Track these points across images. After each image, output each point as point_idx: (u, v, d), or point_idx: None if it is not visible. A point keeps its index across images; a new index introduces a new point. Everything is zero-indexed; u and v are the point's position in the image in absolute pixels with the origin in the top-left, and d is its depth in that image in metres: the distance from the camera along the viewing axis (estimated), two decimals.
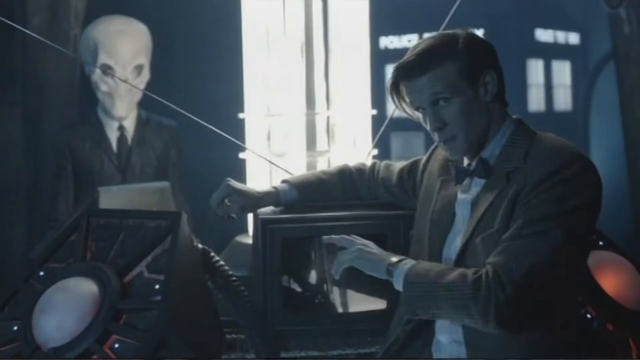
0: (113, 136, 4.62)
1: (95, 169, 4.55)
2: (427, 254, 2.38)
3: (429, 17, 3.11)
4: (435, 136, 2.34)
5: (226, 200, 2.72)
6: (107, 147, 4.59)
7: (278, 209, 2.76)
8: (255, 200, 2.74)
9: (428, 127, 2.33)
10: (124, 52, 4.60)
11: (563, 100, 14.55)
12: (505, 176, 2.25)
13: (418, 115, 2.37)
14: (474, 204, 2.30)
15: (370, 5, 3.48)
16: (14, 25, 3.88)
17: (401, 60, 2.33)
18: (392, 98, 2.39)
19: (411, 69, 2.30)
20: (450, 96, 2.28)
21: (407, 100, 2.36)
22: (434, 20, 3.14)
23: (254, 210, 2.79)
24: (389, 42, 13.17)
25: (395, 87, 2.36)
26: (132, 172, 4.58)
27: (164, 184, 3.45)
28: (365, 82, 3.48)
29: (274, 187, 2.79)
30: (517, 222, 2.16)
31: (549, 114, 14.10)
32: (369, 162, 2.91)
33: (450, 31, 2.36)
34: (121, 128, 4.63)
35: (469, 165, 2.36)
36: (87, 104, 4.79)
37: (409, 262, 2.26)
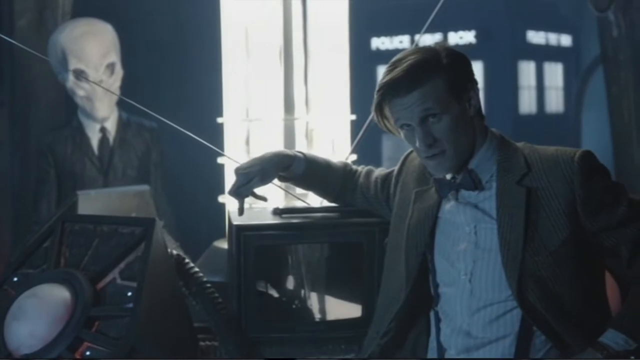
0: (95, 138, 4.59)
1: (77, 172, 4.51)
2: (404, 266, 2.39)
3: (420, 19, 3.09)
4: (423, 152, 2.31)
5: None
6: (88, 149, 4.56)
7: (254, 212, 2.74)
8: (271, 161, 2.62)
9: (416, 144, 2.30)
10: (93, 54, 4.54)
11: (555, 102, 14.56)
12: (517, 184, 2.27)
13: (401, 135, 2.35)
14: (500, 221, 2.27)
15: (350, 10, 3.47)
16: None
17: (387, 78, 2.29)
18: (377, 118, 2.36)
19: (400, 86, 2.26)
20: (440, 112, 2.26)
21: (393, 118, 2.32)
22: (425, 22, 3.12)
23: (276, 174, 2.64)
24: (380, 43, 13.18)
25: (380, 107, 2.34)
26: (114, 174, 4.55)
27: (144, 187, 3.44)
28: (344, 87, 3.47)
29: (291, 152, 2.69)
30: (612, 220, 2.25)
31: (541, 115, 14.11)
32: None
33: (428, 45, 2.34)
34: (103, 130, 4.60)
35: (453, 178, 2.36)
36: (73, 106, 4.77)
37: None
